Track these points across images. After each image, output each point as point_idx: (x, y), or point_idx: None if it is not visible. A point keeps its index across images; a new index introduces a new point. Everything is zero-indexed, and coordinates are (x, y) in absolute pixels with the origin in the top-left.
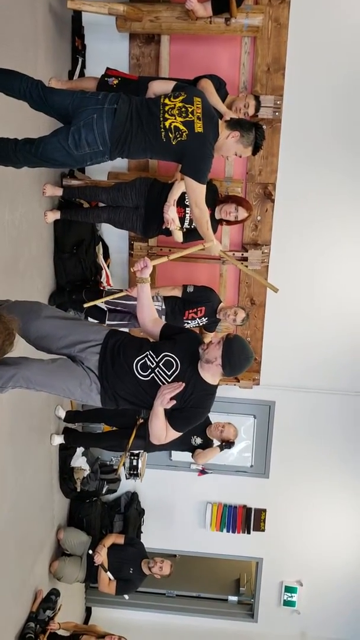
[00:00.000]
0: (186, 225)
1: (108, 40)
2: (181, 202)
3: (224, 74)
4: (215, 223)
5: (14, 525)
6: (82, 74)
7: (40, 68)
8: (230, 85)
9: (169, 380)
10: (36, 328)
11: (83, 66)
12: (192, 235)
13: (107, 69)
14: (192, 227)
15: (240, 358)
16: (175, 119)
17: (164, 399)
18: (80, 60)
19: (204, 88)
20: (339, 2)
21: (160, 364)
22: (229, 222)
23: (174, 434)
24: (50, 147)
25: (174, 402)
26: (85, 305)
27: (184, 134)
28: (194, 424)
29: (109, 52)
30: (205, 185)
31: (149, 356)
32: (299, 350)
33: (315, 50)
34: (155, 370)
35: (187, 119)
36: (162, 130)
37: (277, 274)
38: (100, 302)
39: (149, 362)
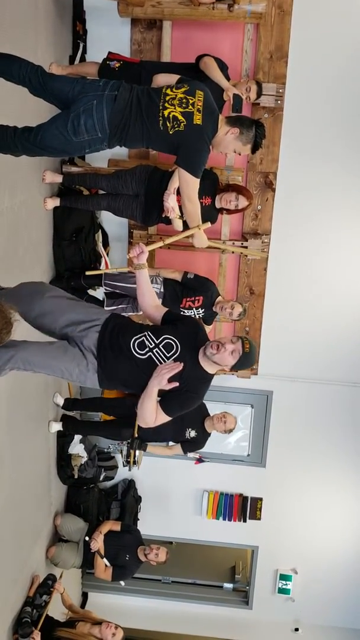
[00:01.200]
0: None
1: (109, 25)
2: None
3: (226, 60)
4: (216, 212)
5: (12, 510)
6: (83, 59)
7: (40, 53)
8: (232, 72)
9: (167, 362)
10: (40, 306)
11: (84, 51)
12: None
13: (109, 52)
14: None
15: (248, 366)
16: (174, 108)
17: (162, 379)
18: (81, 45)
19: (207, 64)
20: None
21: (159, 345)
22: (229, 211)
23: (164, 418)
24: (48, 135)
25: (175, 384)
26: (88, 273)
27: (182, 124)
28: (185, 409)
29: (110, 37)
30: (198, 180)
31: (147, 336)
32: (298, 341)
33: (319, 38)
34: (154, 351)
35: (187, 110)
36: (161, 118)
37: (277, 264)
38: (101, 272)
39: (147, 342)
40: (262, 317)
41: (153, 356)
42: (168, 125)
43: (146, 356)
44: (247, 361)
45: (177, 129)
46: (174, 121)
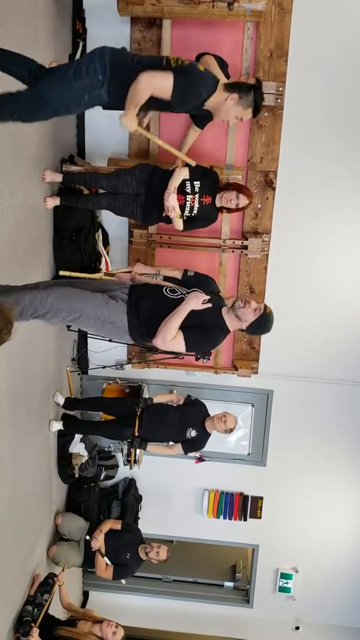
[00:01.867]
0: (186, 213)
1: (109, 24)
2: (182, 190)
3: (226, 59)
4: (216, 210)
5: (12, 510)
6: None
7: (40, 51)
8: (232, 70)
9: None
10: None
11: (84, 50)
12: (193, 223)
13: None
14: (193, 214)
15: (262, 331)
16: (179, 59)
17: (199, 299)
18: (81, 44)
19: (207, 62)
20: None
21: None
22: (229, 210)
23: (180, 345)
24: (49, 81)
25: (209, 305)
26: (61, 274)
27: (186, 62)
28: (202, 344)
29: (110, 36)
30: (167, 83)
31: (177, 288)
32: (298, 339)
33: (319, 36)
34: (185, 294)
35: (192, 62)
36: (164, 58)
37: (277, 263)
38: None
39: (178, 290)
40: None
41: (184, 297)
42: (171, 60)
43: (178, 297)
44: (264, 323)
45: (180, 64)
46: (178, 60)
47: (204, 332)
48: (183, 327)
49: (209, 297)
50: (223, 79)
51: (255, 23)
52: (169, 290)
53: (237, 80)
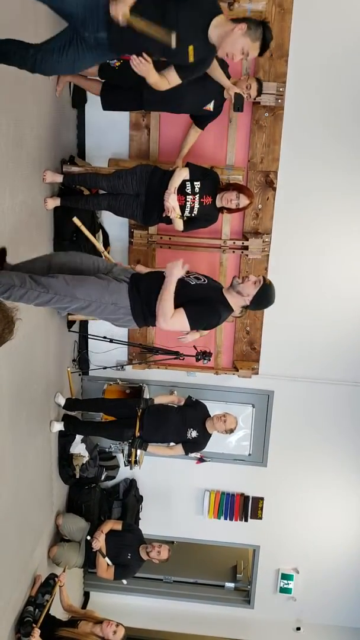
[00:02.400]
0: (187, 213)
1: None
2: (182, 190)
3: (227, 59)
4: (217, 211)
5: (13, 510)
6: None
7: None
8: (232, 71)
9: (195, 282)
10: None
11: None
12: (193, 223)
13: None
14: (193, 215)
15: (267, 303)
16: None
17: (178, 265)
18: None
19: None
20: None
21: (191, 275)
22: (230, 210)
23: (183, 320)
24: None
25: (187, 266)
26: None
27: None
28: (204, 318)
29: None
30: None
31: None
32: (299, 340)
33: (320, 37)
34: (184, 277)
35: None
36: None
37: (277, 263)
38: None
39: None
40: (262, 316)
41: (184, 278)
42: None
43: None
44: (266, 295)
45: None
46: None
47: (205, 307)
48: (184, 305)
49: (182, 260)
50: (225, 80)
51: None
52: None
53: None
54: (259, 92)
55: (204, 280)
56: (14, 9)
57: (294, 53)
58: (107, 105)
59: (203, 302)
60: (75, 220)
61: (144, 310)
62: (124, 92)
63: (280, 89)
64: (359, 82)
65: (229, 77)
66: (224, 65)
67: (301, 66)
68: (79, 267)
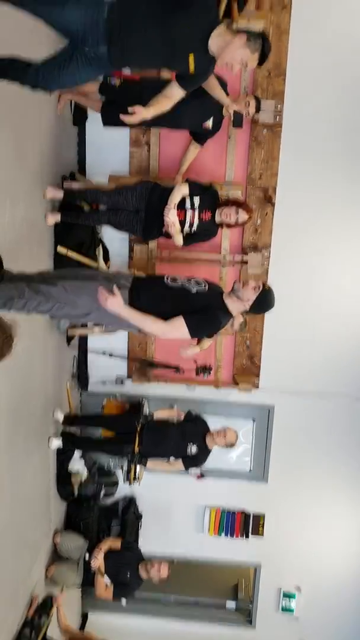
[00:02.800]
0: (186, 228)
1: None
2: (181, 206)
3: (225, 78)
4: (216, 226)
5: (11, 529)
6: None
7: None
8: (231, 90)
9: (196, 289)
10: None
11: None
12: (192, 238)
13: None
14: (193, 230)
15: (267, 307)
16: None
17: (110, 301)
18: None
19: (208, 81)
20: (339, 9)
21: (191, 280)
22: (229, 225)
23: (183, 329)
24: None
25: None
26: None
27: None
28: (205, 326)
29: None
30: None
31: (178, 276)
32: (299, 354)
33: (316, 56)
34: (185, 283)
35: None
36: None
37: (277, 277)
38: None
39: (178, 278)
40: (262, 330)
41: (185, 285)
42: None
43: (179, 286)
44: (266, 299)
45: None
46: None
47: (205, 314)
48: (184, 313)
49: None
50: (224, 98)
51: None
52: (169, 279)
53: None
54: (258, 109)
55: (205, 286)
56: (19, 28)
57: (291, 72)
58: (107, 121)
59: (203, 311)
60: (60, 248)
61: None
62: (124, 109)
63: (278, 107)
64: (354, 99)
65: (227, 94)
66: (222, 83)
67: (298, 84)
68: (79, 275)
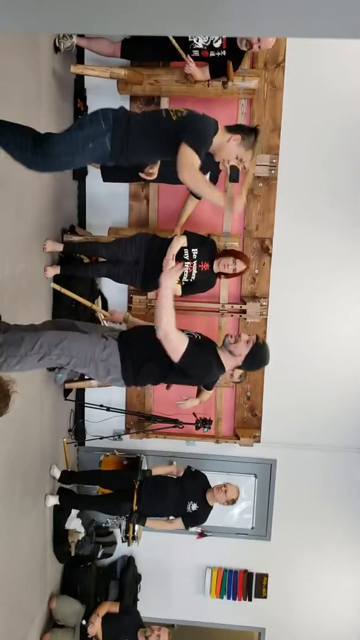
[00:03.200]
0: (185, 278)
1: (109, 101)
2: (180, 257)
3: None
4: (214, 276)
5: (4, 594)
6: None
7: (42, 127)
8: None
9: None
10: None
11: None
12: (191, 289)
13: None
14: (191, 280)
15: (261, 363)
16: (175, 110)
17: (171, 271)
18: None
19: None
20: (331, 67)
21: (183, 332)
22: (227, 275)
23: (183, 342)
24: (57, 138)
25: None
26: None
27: (185, 112)
28: (197, 361)
29: None
30: (198, 157)
31: None
32: (301, 406)
33: (309, 111)
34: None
35: (187, 109)
36: (163, 111)
37: (276, 327)
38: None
39: None
40: (263, 381)
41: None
42: (171, 113)
43: None
44: (260, 355)
45: (180, 115)
46: (177, 111)
47: (202, 352)
48: (188, 342)
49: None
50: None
51: (248, 100)
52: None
53: (238, 124)
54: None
55: (198, 337)
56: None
57: (286, 127)
58: (107, 177)
59: (202, 351)
60: (54, 285)
61: (134, 367)
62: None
63: (274, 161)
64: (347, 153)
65: None
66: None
67: (293, 139)
68: (71, 327)
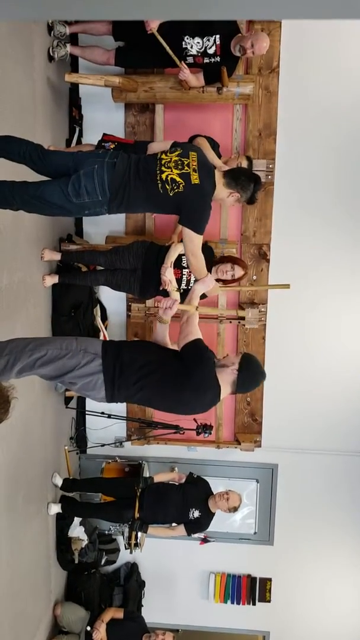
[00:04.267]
0: (183, 286)
1: (104, 109)
2: (178, 264)
3: (217, 139)
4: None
5: (9, 602)
6: (79, 142)
7: (38, 137)
8: (223, 150)
9: None
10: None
11: (80, 135)
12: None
13: (104, 134)
14: (189, 287)
15: (256, 371)
16: (171, 171)
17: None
18: (77, 129)
19: (200, 144)
20: (324, 73)
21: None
22: (225, 282)
23: (197, 342)
24: (49, 190)
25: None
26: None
27: (181, 185)
28: (200, 352)
29: (105, 121)
30: (202, 236)
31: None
32: (301, 410)
33: (304, 116)
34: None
35: (183, 171)
36: (159, 182)
37: (275, 332)
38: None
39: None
40: (263, 387)
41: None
42: (167, 187)
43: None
44: (252, 363)
45: (176, 190)
46: (173, 183)
47: (209, 358)
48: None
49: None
50: (217, 161)
51: (243, 105)
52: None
53: (233, 167)
54: (250, 168)
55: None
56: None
57: (281, 131)
58: None
59: (209, 358)
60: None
61: (116, 359)
62: None
63: (270, 166)
64: (343, 156)
65: (219, 156)
66: (214, 145)
67: (288, 143)
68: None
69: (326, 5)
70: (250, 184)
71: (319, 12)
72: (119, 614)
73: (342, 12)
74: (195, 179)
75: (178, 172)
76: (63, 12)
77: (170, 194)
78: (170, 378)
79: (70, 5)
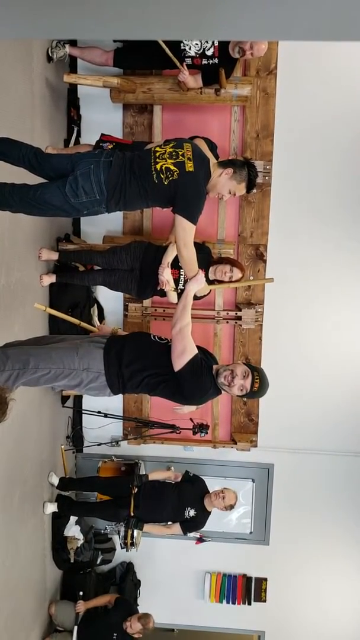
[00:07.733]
0: (180, 286)
1: (103, 110)
2: (175, 264)
3: (215, 140)
4: (209, 284)
5: (4, 600)
6: (77, 142)
7: (36, 137)
8: (221, 151)
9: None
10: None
11: (78, 135)
12: None
13: (102, 134)
14: None
15: (256, 397)
16: (166, 161)
17: (200, 279)
18: (75, 129)
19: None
20: (321, 75)
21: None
22: (223, 283)
23: (192, 346)
24: (48, 192)
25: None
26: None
27: (175, 173)
28: (197, 376)
29: (103, 121)
30: (195, 226)
31: (163, 337)
32: (298, 410)
33: (302, 117)
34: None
35: (178, 160)
36: (154, 172)
37: (271, 333)
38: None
39: (165, 338)
40: None
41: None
42: (162, 176)
43: (165, 342)
44: (255, 395)
45: (171, 178)
46: (167, 172)
47: (204, 373)
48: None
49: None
50: (214, 160)
51: (241, 107)
52: (157, 337)
53: (230, 158)
54: None
55: (203, 360)
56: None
57: (279, 133)
58: None
59: (205, 370)
60: (37, 305)
61: (119, 373)
62: None
63: (267, 167)
64: (340, 158)
65: (217, 158)
66: (212, 146)
67: (286, 145)
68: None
69: (322, 27)
70: (244, 165)
71: (315, 34)
72: (104, 600)
73: (337, 35)
74: (189, 166)
75: (172, 161)
76: (65, 32)
77: (165, 183)
78: (172, 389)
79: (72, 26)
